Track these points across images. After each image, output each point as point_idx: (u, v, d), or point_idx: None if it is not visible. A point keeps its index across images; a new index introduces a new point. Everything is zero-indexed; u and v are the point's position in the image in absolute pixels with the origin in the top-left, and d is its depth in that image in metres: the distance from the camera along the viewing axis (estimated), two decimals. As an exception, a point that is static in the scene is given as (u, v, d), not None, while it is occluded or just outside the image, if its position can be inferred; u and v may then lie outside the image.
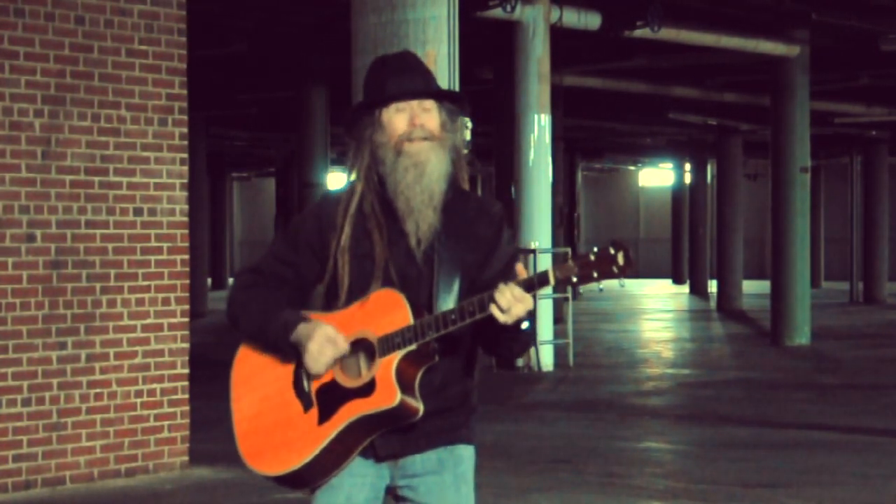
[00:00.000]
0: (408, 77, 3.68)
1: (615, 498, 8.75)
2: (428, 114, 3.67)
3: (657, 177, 53.80)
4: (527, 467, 9.92)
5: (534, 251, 16.69)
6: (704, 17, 20.08)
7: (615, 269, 3.40)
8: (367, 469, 3.67)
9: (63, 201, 9.10)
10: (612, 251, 3.41)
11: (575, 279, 3.42)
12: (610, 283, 3.46)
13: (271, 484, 3.74)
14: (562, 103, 23.72)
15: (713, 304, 33.56)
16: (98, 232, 9.27)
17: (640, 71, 24.13)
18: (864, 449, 10.78)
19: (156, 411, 9.53)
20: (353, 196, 3.69)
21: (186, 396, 9.74)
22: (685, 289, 42.22)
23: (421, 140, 3.64)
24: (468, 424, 3.74)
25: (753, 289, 36.45)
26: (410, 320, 3.53)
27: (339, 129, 20.88)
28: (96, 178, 9.25)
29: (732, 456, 10.48)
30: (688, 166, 42.84)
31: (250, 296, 3.72)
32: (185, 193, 9.74)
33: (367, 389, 3.54)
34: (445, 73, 10.69)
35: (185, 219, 9.75)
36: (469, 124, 8.77)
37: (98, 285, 9.26)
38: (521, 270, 3.50)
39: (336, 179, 29.81)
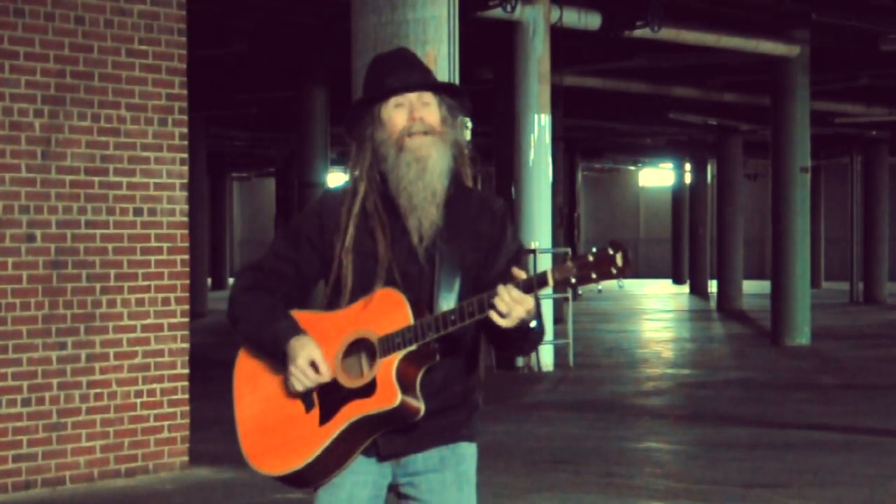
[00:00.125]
0: (405, 71, 3.68)
1: (615, 498, 8.75)
2: (427, 108, 3.67)
3: (657, 177, 53.78)
4: (527, 467, 9.91)
5: (534, 251, 16.67)
6: (704, 17, 20.07)
7: (614, 270, 3.39)
8: (370, 467, 3.67)
9: (63, 201, 9.10)
10: (610, 252, 3.39)
11: (573, 280, 3.41)
12: (609, 284, 3.44)
13: (271, 484, 3.74)
14: (562, 103, 23.67)
15: (713, 304, 33.56)
16: (98, 232, 9.27)
17: (640, 71, 24.12)
18: (864, 449, 10.78)
19: (156, 411, 9.53)
20: (357, 196, 3.69)
21: (186, 396, 9.74)
22: (685, 289, 42.21)
23: (421, 134, 3.63)
24: (470, 423, 3.73)
25: (753, 289, 36.44)
26: (411, 320, 3.53)
27: (339, 129, 20.88)
28: (96, 178, 9.25)
29: (732, 456, 10.48)
30: (688, 166, 42.84)
31: (250, 298, 3.73)
32: (185, 193, 9.74)
33: (368, 390, 3.55)
34: (445, 73, 10.69)
35: (185, 219, 9.75)
36: (469, 124, 8.77)
37: (98, 285, 9.26)
38: (517, 273, 3.48)
39: (336, 179, 29.76)
